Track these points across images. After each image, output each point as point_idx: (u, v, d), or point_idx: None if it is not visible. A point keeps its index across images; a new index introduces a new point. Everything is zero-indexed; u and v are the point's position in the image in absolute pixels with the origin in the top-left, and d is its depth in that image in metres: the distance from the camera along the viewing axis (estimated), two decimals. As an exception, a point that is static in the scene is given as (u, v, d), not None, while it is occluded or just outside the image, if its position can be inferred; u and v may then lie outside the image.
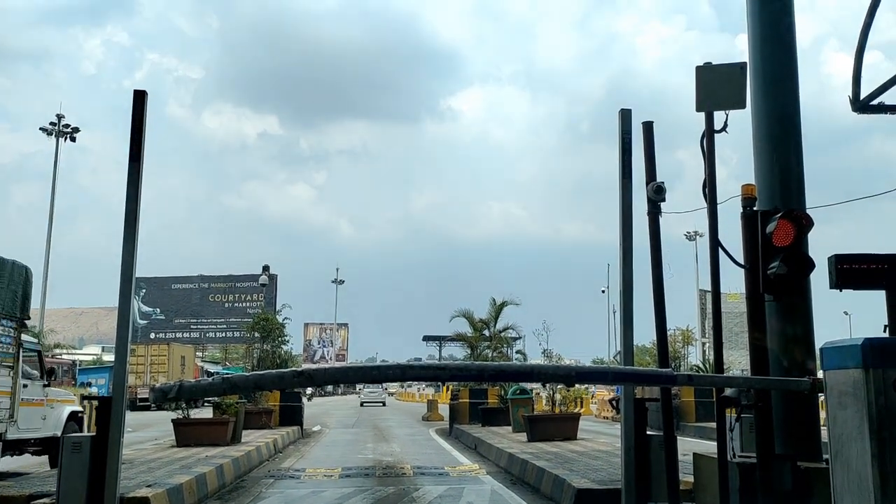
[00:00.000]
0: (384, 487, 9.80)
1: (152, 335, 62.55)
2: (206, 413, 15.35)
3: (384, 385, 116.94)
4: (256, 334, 20.12)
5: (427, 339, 72.72)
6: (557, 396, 14.26)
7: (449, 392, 28.16)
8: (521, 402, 16.22)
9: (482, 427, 18.31)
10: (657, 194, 7.06)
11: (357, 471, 11.64)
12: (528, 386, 16.11)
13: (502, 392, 19.31)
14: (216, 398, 14.35)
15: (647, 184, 7.16)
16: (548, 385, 14.75)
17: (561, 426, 13.83)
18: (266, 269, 21.53)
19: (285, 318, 21.99)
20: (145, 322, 66.13)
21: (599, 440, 14.29)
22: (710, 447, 7.20)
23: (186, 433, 13.25)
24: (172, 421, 13.43)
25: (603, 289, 64.85)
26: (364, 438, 18.93)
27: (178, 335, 63.54)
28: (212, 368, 57.87)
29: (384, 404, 54.08)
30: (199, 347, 65.93)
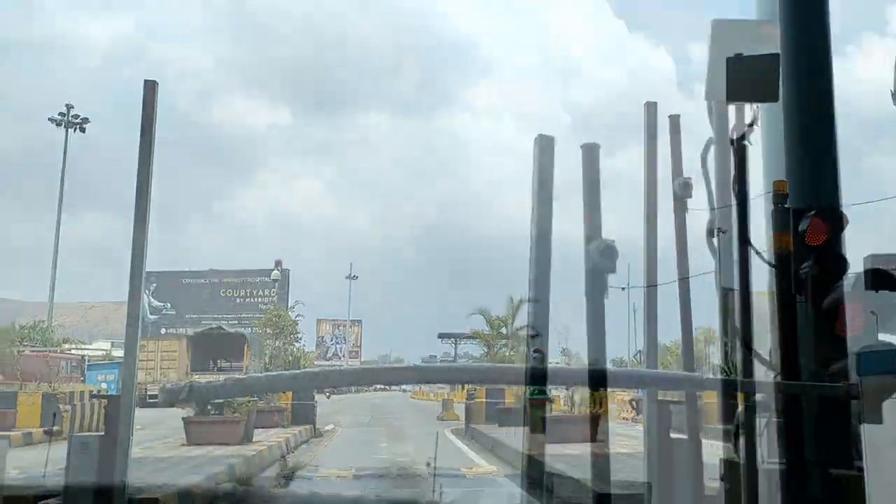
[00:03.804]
0: (399, 490, 9.78)
1: (163, 330, 62.98)
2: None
3: (401, 386, 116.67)
4: (269, 330, 20.19)
5: (442, 336, 72.46)
6: (577, 397, 14.18)
7: (465, 391, 28.10)
8: (540, 402, 16.10)
9: (499, 427, 18.23)
10: (684, 190, 6.98)
11: (371, 472, 11.62)
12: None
13: (526, 392, 19.21)
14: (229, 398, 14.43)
15: (674, 179, 7.09)
16: (568, 385, 14.69)
17: (580, 427, 13.72)
18: (278, 263, 21.48)
19: (297, 314, 22.06)
20: (155, 317, 66.64)
21: (620, 442, 14.14)
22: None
23: (197, 432, 13.32)
24: (183, 419, 13.50)
25: (623, 286, 64.33)
26: (378, 438, 18.94)
27: (189, 331, 63.80)
28: (223, 365, 58.18)
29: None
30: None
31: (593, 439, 13.53)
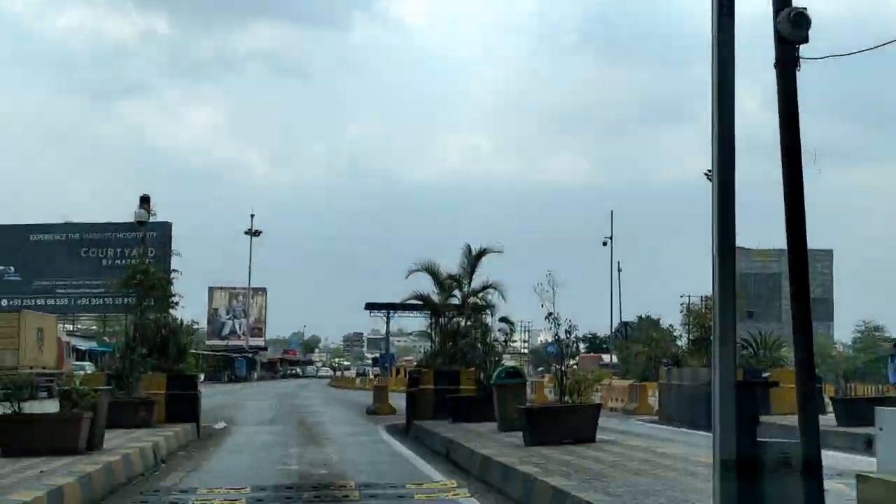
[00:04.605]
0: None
1: (4, 301, 59.51)
2: (50, 405, 13.38)
3: (317, 370, 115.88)
4: (131, 295, 17.95)
5: (371, 307, 70.93)
6: (570, 380, 12.59)
7: (405, 375, 26.21)
8: (512, 388, 14.56)
9: (454, 424, 16.69)
10: (796, 28, 5.20)
11: (273, 492, 9.85)
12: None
13: (482, 375, 17.65)
14: (65, 384, 12.41)
15: (777, 12, 5.31)
16: (553, 365, 13.15)
17: (573, 423, 12.20)
18: (145, 200, 19.06)
19: (173, 270, 19.83)
20: (-6, 285, 62.89)
21: (629, 442, 12.66)
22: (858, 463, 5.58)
23: (18, 437, 11.26)
24: (-5, 419, 11.40)
25: (605, 239, 63.29)
26: (286, 440, 17.12)
27: (41, 301, 60.67)
28: (83, 345, 55.48)
29: None
30: (69, 318, 63.16)
31: (592, 438, 11.59)
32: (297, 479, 11.08)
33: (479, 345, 19.71)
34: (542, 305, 12.78)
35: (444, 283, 20.98)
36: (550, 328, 12.90)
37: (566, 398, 12.42)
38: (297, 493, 9.70)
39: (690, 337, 21.16)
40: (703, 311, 19.88)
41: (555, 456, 10.75)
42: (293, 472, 11.92)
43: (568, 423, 12.14)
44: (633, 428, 17.85)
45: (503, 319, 21.03)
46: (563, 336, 12.92)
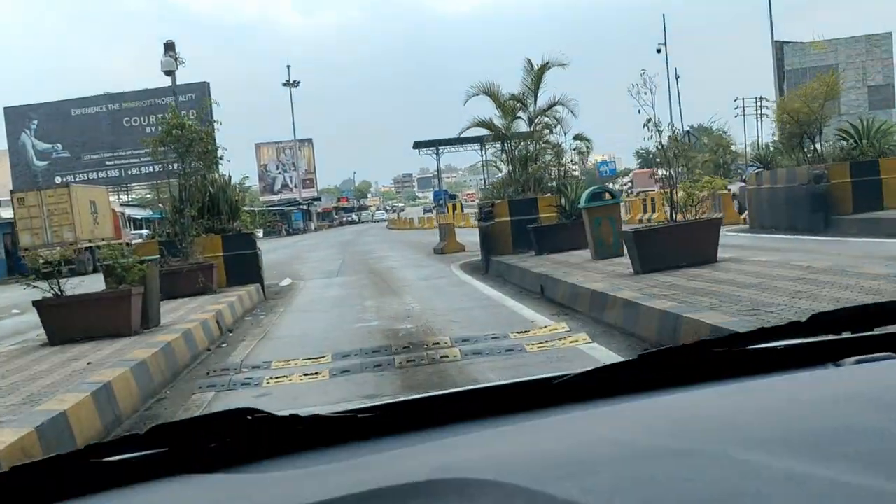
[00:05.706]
0: (412, 392, 6.34)
1: (58, 179, 58.59)
2: (96, 283, 11.89)
3: (373, 215, 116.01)
4: (171, 155, 16.13)
5: (419, 146, 68.91)
6: (679, 194, 10.66)
7: (461, 210, 24.28)
8: (605, 210, 12.70)
9: (539, 256, 14.93)
10: None
11: (360, 358, 8.22)
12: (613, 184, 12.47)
13: (562, 200, 15.78)
14: (108, 258, 10.81)
15: None
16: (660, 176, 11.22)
17: (691, 243, 10.33)
18: (170, 47, 17.00)
19: (214, 120, 17.96)
20: (45, 163, 62.21)
21: (757, 258, 10.74)
22: None
23: (62, 322, 9.79)
24: (34, 304, 9.90)
25: (659, 45, 59.41)
26: (359, 292, 15.52)
27: (92, 175, 59.95)
28: (138, 214, 54.74)
29: None
30: (123, 189, 62.36)
31: (713, 259, 9.25)
32: (381, 338, 9.48)
33: (552, 168, 17.71)
34: (640, 111, 10.71)
35: (506, 106, 18.70)
36: (651, 136, 10.86)
37: (682, 215, 10.53)
38: (386, 358, 8.10)
39: (782, 135, 18.86)
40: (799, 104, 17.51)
41: (680, 283, 8.96)
42: (374, 329, 10.34)
43: (685, 244, 10.27)
44: (735, 241, 15.91)
45: (578, 137, 18.85)
46: (666, 143, 10.90)
